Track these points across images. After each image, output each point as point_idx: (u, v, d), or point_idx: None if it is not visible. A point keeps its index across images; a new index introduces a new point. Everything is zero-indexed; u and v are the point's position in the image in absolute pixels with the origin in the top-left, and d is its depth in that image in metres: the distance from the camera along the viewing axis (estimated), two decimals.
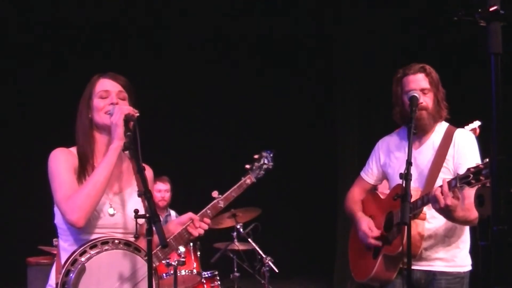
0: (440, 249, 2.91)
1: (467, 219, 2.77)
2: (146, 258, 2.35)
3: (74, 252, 2.30)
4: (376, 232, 3.02)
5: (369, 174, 3.26)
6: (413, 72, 2.91)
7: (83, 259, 2.27)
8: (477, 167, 2.51)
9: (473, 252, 3.05)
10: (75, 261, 2.27)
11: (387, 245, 2.96)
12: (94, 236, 2.35)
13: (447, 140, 2.90)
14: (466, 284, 2.94)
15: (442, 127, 2.98)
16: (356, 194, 3.30)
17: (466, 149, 2.87)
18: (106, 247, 2.32)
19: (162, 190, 5.45)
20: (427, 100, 2.89)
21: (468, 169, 2.55)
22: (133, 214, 2.27)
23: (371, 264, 3.04)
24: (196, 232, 2.51)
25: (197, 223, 2.51)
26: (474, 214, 2.71)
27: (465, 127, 3.91)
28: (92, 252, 2.29)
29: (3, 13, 6.81)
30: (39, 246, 4.90)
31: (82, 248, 2.29)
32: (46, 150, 2.46)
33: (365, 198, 3.27)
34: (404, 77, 2.94)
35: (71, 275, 2.25)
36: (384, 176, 3.22)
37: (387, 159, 3.14)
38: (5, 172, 7.17)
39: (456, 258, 2.92)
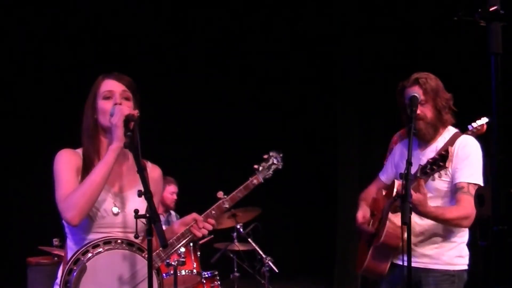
0: (428, 246, 2.97)
1: (439, 217, 2.84)
2: None
3: (77, 251, 2.31)
4: (364, 220, 3.13)
5: (384, 173, 3.35)
6: (409, 85, 2.98)
7: (85, 258, 2.28)
8: (434, 157, 2.65)
9: (473, 252, 3.07)
10: (77, 260, 2.29)
11: (376, 237, 3.05)
12: (98, 236, 2.36)
13: (449, 144, 2.95)
14: (457, 283, 2.96)
15: (449, 132, 3.03)
16: (369, 191, 3.38)
17: (464, 155, 2.91)
18: (109, 247, 2.33)
19: (174, 193, 5.51)
20: (424, 110, 2.94)
21: (428, 160, 2.68)
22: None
23: (366, 256, 3.14)
24: (199, 233, 2.50)
25: (201, 224, 2.51)
26: (451, 214, 2.81)
27: (473, 123, 3.92)
28: (94, 251, 2.30)
29: (6, 13, 6.81)
30: (39, 246, 4.90)
31: (84, 248, 2.31)
32: (47, 150, 2.47)
33: (376, 195, 3.35)
34: (404, 90, 3.02)
35: (73, 273, 2.27)
36: (396, 176, 3.29)
37: (399, 161, 3.22)
38: (6, 172, 7.17)
39: (443, 256, 2.96)
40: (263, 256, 5.15)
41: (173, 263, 4.36)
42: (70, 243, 2.43)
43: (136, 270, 2.36)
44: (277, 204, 8.04)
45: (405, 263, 2.83)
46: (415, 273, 2.92)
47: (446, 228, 2.95)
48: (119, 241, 2.35)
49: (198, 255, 4.96)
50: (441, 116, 2.97)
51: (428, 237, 2.96)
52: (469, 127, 3.93)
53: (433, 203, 2.88)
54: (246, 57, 8.11)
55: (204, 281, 4.96)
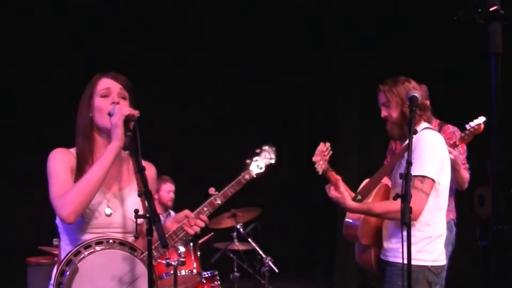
0: (390, 240, 3.05)
1: (367, 212, 3.06)
2: (142, 257, 2.36)
3: (69, 252, 2.31)
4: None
5: None
6: (377, 93, 3.28)
7: (76, 259, 2.28)
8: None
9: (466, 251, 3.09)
10: (69, 261, 2.28)
11: None
12: (90, 236, 2.35)
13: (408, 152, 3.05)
14: (414, 278, 2.90)
15: (419, 129, 3.13)
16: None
17: (415, 150, 2.96)
18: (100, 247, 2.32)
19: (171, 191, 5.49)
20: (389, 112, 3.16)
21: None
22: (132, 214, 2.27)
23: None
24: (191, 230, 2.47)
25: (192, 221, 2.47)
26: (380, 209, 3.00)
27: (470, 123, 3.93)
28: (86, 252, 2.30)
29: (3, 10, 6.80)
30: (39, 246, 4.89)
31: (76, 249, 2.30)
32: (46, 150, 2.47)
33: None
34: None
35: (65, 275, 2.26)
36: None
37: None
38: (6, 172, 7.16)
39: (401, 250, 2.91)
40: (263, 256, 5.15)
41: (173, 263, 4.36)
42: (63, 243, 2.43)
43: (129, 270, 2.35)
44: (277, 204, 8.04)
45: (382, 257, 3.10)
46: (382, 265, 3.09)
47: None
48: (111, 241, 2.35)
49: (198, 255, 4.95)
50: (406, 116, 3.07)
51: (391, 230, 3.05)
52: (467, 126, 3.93)
53: None
54: (244, 55, 8.10)
55: (204, 281, 4.96)
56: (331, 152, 3.14)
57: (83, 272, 2.28)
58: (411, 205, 2.78)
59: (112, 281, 2.32)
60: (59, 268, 2.28)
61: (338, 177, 3.07)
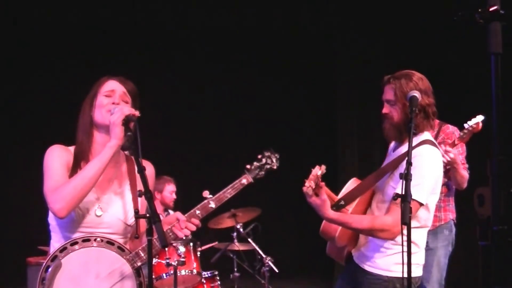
0: (370, 248, 2.93)
1: (344, 225, 2.88)
2: (128, 257, 2.38)
3: (56, 248, 2.33)
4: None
5: None
6: (383, 83, 2.94)
7: (61, 255, 2.31)
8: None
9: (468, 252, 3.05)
10: (55, 257, 2.31)
11: None
12: (79, 235, 2.38)
13: (408, 151, 2.77)
14: None
15: (417, 139, 2.85)
16: None
17: (414, 164, 2.67)
18: (87, 245, 2.34)
19: (173, 192, 5.53)
20: (392, 111, 2.87)
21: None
22: (123, 215, 2.32)
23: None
24: (181, 234, 2.44)
25: (183, 224, 2.44)
26: (360, 224, 2.81)
27: (468, 122, 3.92)
28: (71, 249, 2.32)
29: (7, 10, 6.79)
30: (39, 246, 4.89)
31: (63, 245, 2.33)
32: (46, 149, 2.47)
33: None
34: (383, 86, 2.97)
35: (48, 270, 2.29)
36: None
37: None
38: (5, 172, 7.17)
39: (379, 259, 2.89)
40: (263, 256, 5.16)
41: (173, 263, 4.36)
42: (53, 241, 2.47)
43: (114, 269, 2.36)
44: (277, 204, 8.03)
45: (354, 258, 2.97)
46: (355, 269, 2.96)
47: None
48: (98, 239, 2.36)
49: (198, 255, 4.95)
50: (408, 121, 2.76)
51: (371, 239, 2.92)
52: (465, 125, 3.92)
53: (383, 207, 2.88)
54: (244, 55, 8.10)
55: (204, 281, 4.95)
56: (324, 171, 2.81)
57: (66, 268, 2.30)
58: (387, 224, 2.72)
59: (95, 279, 2.34)
60: (44, 263, 2.31)
61: (322, 183, 2.80)
